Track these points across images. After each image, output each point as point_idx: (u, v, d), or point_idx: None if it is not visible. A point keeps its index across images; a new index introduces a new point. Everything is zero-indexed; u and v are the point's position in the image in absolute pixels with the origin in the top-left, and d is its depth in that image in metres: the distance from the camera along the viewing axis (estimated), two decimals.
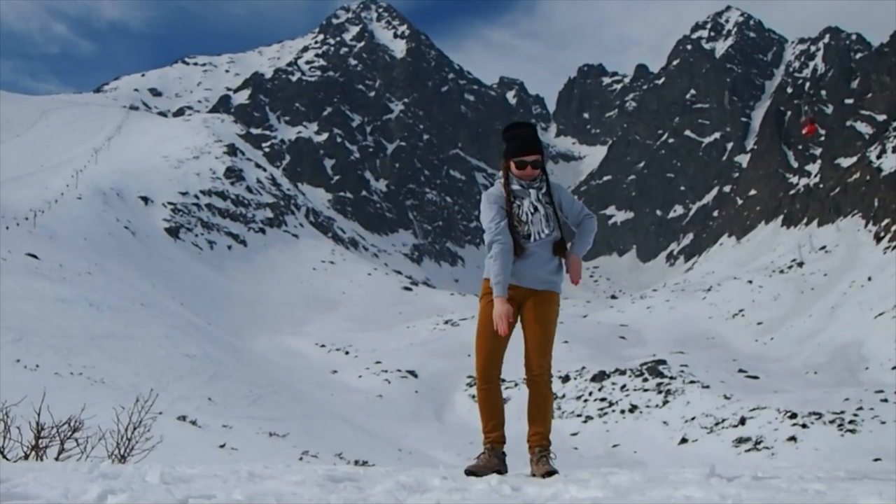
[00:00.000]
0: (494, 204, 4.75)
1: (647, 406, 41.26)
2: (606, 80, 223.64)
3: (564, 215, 4.91)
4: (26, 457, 5.62)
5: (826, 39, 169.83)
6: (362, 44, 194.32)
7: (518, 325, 4.87)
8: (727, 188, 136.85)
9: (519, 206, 4.74)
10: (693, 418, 37.61)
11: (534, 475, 4.53)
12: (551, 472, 4.42)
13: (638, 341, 60.79)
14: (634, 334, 63.45)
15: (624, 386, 44.67)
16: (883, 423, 30.78)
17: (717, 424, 35.77)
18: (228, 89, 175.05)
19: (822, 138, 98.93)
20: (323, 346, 56.74)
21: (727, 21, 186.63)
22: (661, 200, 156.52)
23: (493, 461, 4.69)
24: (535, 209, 4.74)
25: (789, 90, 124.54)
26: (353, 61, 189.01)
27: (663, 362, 47.80)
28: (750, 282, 71.59)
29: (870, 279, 61.07)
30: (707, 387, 41.45)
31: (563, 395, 45.38)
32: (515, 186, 4.76)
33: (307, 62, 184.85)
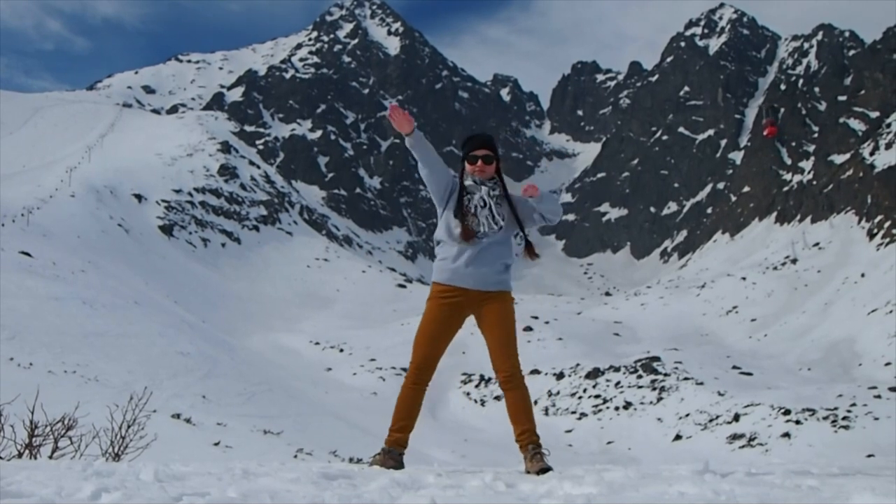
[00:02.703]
0: (452, 179, 4.95)
1: (642, 403, 41.33)
2: (600, 77, 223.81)
3: (522, 213, 5.05)
4: (20, 455, 5.60)
5: (819, 37, 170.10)
6: (356, 41, 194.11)
7: (458, 331, 4.95)
8: (721, 185, 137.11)
9: (469, 199, 4.85)
10: (687, 415, 37.69)
11: (528, 472, 4.53)
12: (546, 469, 4.44)
13: (632, 338, 60.87)
14: (628, 331, 63.52)
15: (618, 383, 44.74)
16: (876, 419, 30.87)
17: (711, 421, 35.85)
18: (222, 87, 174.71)
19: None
20: (317, 343, 56.71)
21: (721, 18, 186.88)
22: (655, 197, 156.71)
23: (389, 462, 4.73)
24: (484, 204, 4.85)
25: (783, 87, 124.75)
26: (346, 58, 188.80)
27: (657, 359, 47.89)
28: (744, 278, 71.71)
29: (863, 276, 61.24)
30: (701, 383, 41.53)
31: (558, 392, 45.43)
32: (468, 182, 4.91)
33: (301, 59, 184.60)
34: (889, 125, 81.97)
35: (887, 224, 69.09)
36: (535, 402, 44.87)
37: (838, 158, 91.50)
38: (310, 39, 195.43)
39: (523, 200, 5.06)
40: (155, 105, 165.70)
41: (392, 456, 4.78)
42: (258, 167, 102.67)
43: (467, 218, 4.81)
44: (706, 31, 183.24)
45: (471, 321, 5.04)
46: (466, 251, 4.79)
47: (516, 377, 4.83)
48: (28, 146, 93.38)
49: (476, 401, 45.09)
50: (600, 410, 42.07)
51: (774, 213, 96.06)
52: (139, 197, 77.21)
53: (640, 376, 44.84)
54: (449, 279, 4.82)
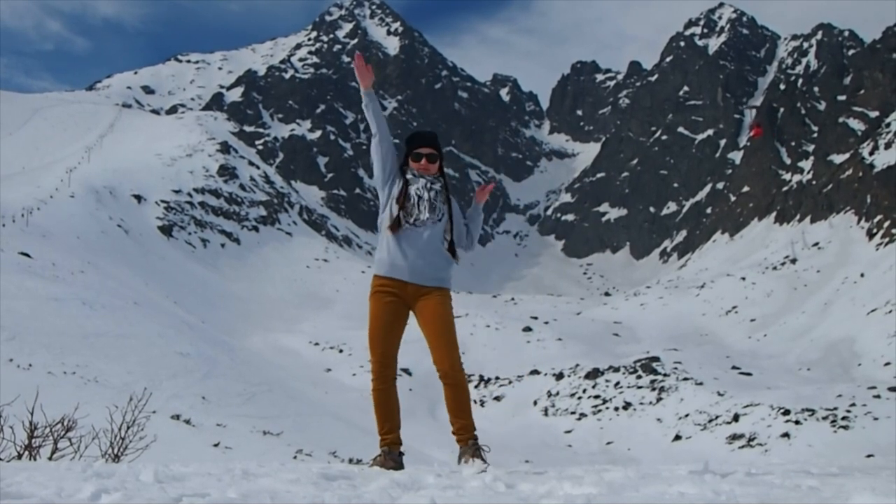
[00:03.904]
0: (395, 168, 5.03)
1: (641, 403, 41.34)
2: (600, 76, 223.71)
3: (455, 217, 5.05)
4: (19, 456, 5.61)
5: (819, 36, 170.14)
6: (355, 41, 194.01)
7: (409, 324, 5.01)
8: (720, 185, 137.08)
9: (409, 190, 4.89)
10: (687, 415, 37.70)
11: (461, 463, 4.58)
12: (483, 470, 4.37)
13: (631, 338, 60.88)
14: (628, 331, 63.53)
15: (618, 383, 44.75)
16: (876, 419, 30.88)
17: (710, 421, 35.86)
18: (221, 87, 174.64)
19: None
20: (317, 344, 56.69)
21: (720, 18, 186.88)
22: (655, 197, 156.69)
23: (389, 463, 4.76)
24: (420, 196, 4.87)
25: (782, 87, 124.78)
26: (346, 58, 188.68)
27: (657, 359, 47.90)
28: (743, 278, 71.73)
29: (862, 275, 61.26)
30: (700, 384, 41.54)
31: (557, 393, 45.43)
32: (408, 175, 4.96)
33: (300, 59, 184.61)
34: (888, 125, 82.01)
35: (887, 224, 69.12)
36: (535, 403, 44.93)
37: (838, 158, 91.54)
38: (309, 39, 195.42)
39: (459, 211, 5.12)
40: (154, 105, 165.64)
41: (392, 457, 4.82)
42: (257, 167, 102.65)
43: (406, 206, 4.85)
44: (706, 30, 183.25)
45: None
46: (403, 243, 4.85)
47: (455, 373, 4.84)
48: (27, 147, 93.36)
49: (475, 401, 45.04)
50: (600, 411, 42.07)
51: (774, 213, 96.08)
52: (138, 197, 77.18)
53: (639, 376, 44.86)
54: (388, 272, 4.88)
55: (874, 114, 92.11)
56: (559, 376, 47.53)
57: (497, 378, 48.26)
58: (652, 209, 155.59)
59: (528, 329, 58.22)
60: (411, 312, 4.96)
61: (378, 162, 5.02)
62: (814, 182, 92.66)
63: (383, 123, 5.04)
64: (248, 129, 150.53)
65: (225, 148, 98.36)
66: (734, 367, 47.27)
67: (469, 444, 4.69)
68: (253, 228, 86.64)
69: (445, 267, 4.95)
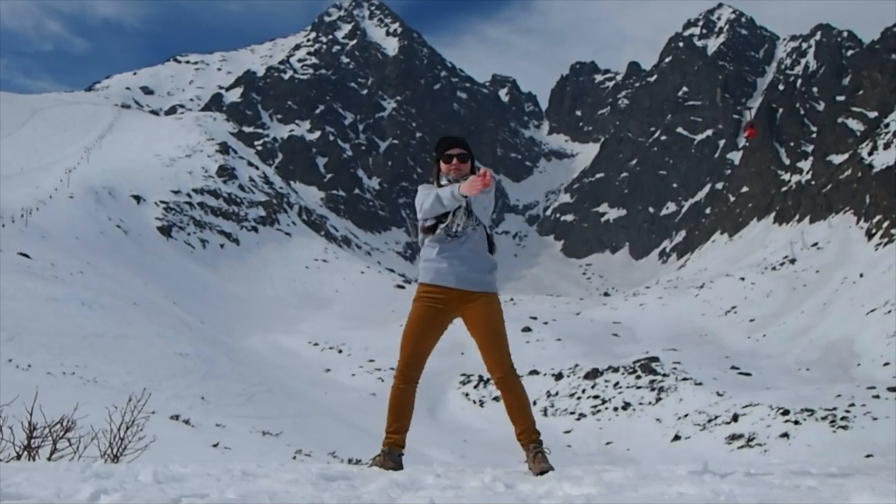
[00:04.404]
0: (427, 190, 4.92)
1: (640, 403, 41.35)
2: (599, 77, 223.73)
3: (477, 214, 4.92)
4: (18, 457, 5.60)
5: (817, 37, 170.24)
6: (354, 42, 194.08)
7: (445, 332, 5.00)
8: (719, 185, 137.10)
9: None
10: (686, 415, 37.71)
11: (529, 471, 4.59)
12: (546, 470, 4.47)
13: (631, 338, 60.88)
14: (627, 331, 63.53)
15: (617, 383, 44.76)
16: (875, 419, 30.89)
17: (709, 421, 35.87)
18: (220, 87, 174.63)
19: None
20: (316, 344, 56.68)
21: (719, 18, 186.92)
22: (654, 198, 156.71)
23: (388, 463, 4.77)
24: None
25: (781, 87, 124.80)
26: (345, 59, 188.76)
27: (656, 359, 47.90)
28: (742, 279, 71.74)
29: (861, 276, 61.28)
30: (700, 384, 41.55)
31: (557, 393, 45.44)
32: (443, 181, 4.94)
33: (299, 60, 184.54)
34: (887, 125, 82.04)
35: (886, 224, 69.14)
36: (535, 403, 44.87)
37: (837, 158, 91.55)
38: (308, 40, 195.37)
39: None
40: (153, 106, 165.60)
41: (391, 457, 4.82)
42: (257, 168, 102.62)
43: (445, 219, 4.83)
44: (704, 31, 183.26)
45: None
46: (447, 250, 4.84)
47: (511, 374, 4.86)
48: (26, 147, 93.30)
49: (475, 401, 45.08)
50: (599, 411, 42.09)
51: (773, 214, 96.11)
52: (138, 198, 77.15)
53: (638, 377, 44.86)
54: (433, 279, 4.87)
55: (873, 114, 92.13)
56: (558, 376, 47.54)
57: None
58: (651, 209, 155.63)
59: (527, 329, 58.22)
60: (457, 320, 4.96)
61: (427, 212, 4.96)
62: (813, 182, 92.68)
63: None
64: (247, 129, 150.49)
65: (224, 148, 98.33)
66: (733, 368, 47.27)
67: (531, 448, 4.71)
68: (252, 229, 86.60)
69: (491, 270, 4.94)
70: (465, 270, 4.83)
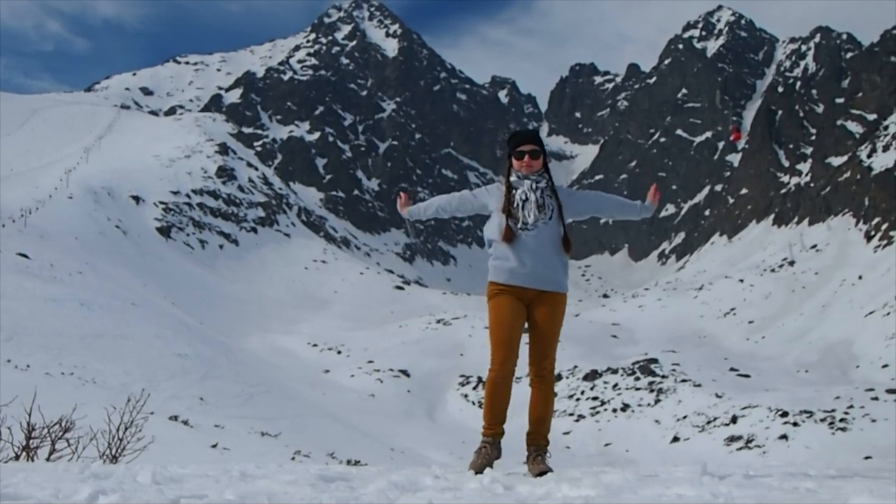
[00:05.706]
0: (484, 191, 5.03)
1: (639, 405, 41.34)
2: (598, 79, 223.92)
3: (574, 210, 5.01)
4: (17, 457, 5.60)
5: (817, 39, 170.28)
6: (354, 43, 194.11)
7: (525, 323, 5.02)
8: (718, 187, 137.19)
9: (513, 195, 4.85)
10: (685, 417, 37.70)
11: (528, 472, 4.63)
12: (544, 472, 4.50)
13: (630, 340, 60.87)
14: (626, 333, 63.53)
15: (616, 385, 44.75)
16: (873, 421, 30.88)
17: (708, 423, 35.86)
18: (220, 88, 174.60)
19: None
20: (315, 345, 56.66)
21: (718, 20, 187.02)
22: None
23: (494, 454, 4.82)
24: (527, 197, 4.82)
25: (780, 89, 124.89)
26: (344, 60, 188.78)
27: (655, 361, 47.88)
28: (741, 280, 71.76)
29: (860, 278, 61.31)
30: (699, 385, 41.55)
31: (556, 394, 45.40)
32: (513, 178, 4.91)
33: (299, 61, 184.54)
34: (886, 127, 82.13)
35: (884, 226, 69.18)
36: None
37: (836, 161, 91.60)
38: (308, 41, 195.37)
39: (568, 192, 5.06)
40: (153, 107, 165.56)
41: (497, 447, 4.86)
42: (256, 169, 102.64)
43: (514, 214, 4.81)
44: (704, 33, 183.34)
45: None
46: (519, 249, 4.79)
47: (547, 378, 5.00)
48: (26, 148, 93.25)
49: (474, 402, 45.04)
50: (598, 412, 42.08)
51: (772, 216, 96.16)
52: (137, 198, 77.14)
53: (637, 378, 44.85)
54: (507, 279, 4.84)
55: (872, 116, 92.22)
56: (557, 378, 47.54)
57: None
58: None
59: (526, 330, 58.21)
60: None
61: (468, 213, 5.11)
62: (812, 184, 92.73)
63: (432, 208, 5.14)
64: (246, 130, 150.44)
65: (223, 149, 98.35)
66: (732, 369, 47.27)
67: (532, 450, 4.81)
68: (251, 230, 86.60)
69: (562, 269, 4.93)
70: (540, 268, 4.81)
